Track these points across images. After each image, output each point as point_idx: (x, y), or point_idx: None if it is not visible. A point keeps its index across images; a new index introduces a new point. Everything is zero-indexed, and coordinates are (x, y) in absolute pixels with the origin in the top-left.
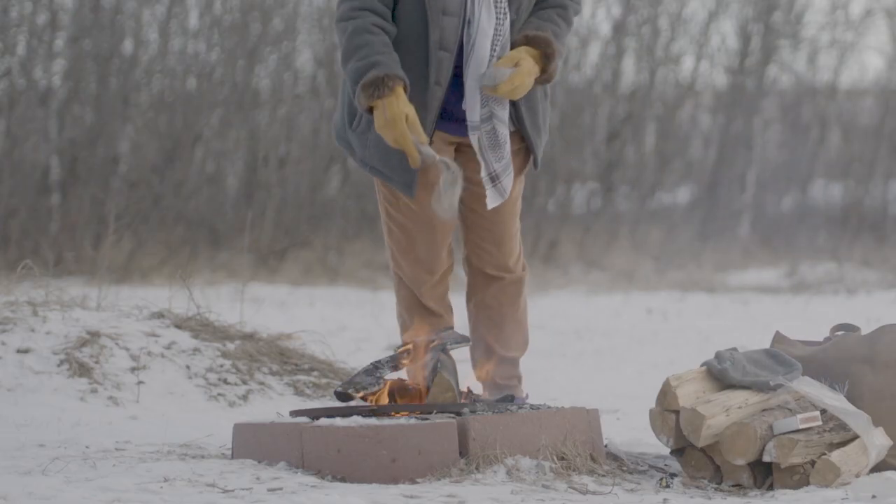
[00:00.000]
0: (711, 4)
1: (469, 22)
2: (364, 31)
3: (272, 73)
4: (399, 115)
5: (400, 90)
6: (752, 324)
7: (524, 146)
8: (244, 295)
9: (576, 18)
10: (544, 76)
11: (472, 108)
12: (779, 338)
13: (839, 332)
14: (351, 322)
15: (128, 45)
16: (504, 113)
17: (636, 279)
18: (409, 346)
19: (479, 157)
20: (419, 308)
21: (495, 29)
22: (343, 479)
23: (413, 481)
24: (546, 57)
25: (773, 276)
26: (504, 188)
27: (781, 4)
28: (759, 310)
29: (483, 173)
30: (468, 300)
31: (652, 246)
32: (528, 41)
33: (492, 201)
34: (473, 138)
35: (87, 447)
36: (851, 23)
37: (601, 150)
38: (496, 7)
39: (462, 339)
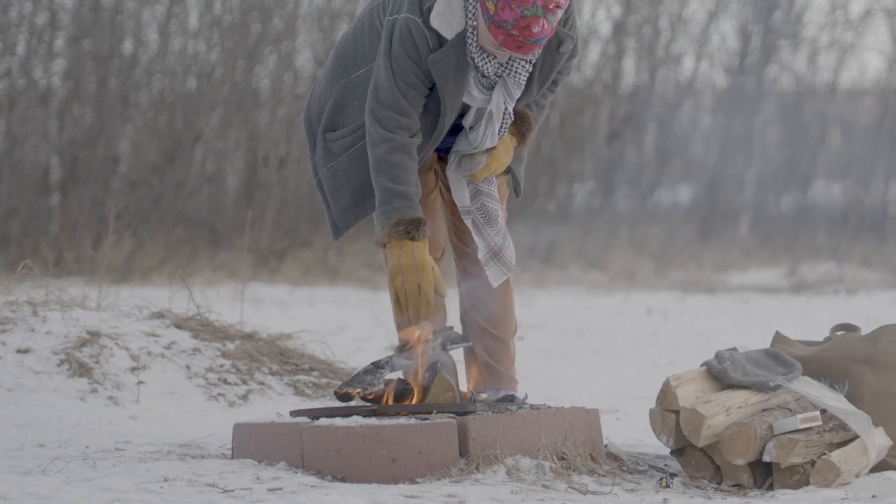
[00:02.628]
0: (711, 4)
1: (471, 128)
2: (403, 152)
3: (272, 73)
4: (428, 264)
5: (427, 241)
6: (752, 324)
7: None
8: (244, 295)
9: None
10: (523, 141)
11: (461, 193)
12: (779, 338)
13: (839, 332)
14: (351, 322)
15: (128, 45)
16: (490, 187)
17: (636, 279)
18: (409, 347)
19: (476, 238)
20: None
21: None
22: (343, 479)
23: (413, 481)
24: (522, 132)
25: (773, 276)
26: (507, 261)
27: (781, 4)
28: (759, 310)
29: (482, 254)
30: (458, 282)
31: (652, 246)
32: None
33: (495, 280)
34: (468, 221)
35: (87, 447)
36: (851, 23)
37: (601, 150)
38: (499, 132)
39: (462, 339)
